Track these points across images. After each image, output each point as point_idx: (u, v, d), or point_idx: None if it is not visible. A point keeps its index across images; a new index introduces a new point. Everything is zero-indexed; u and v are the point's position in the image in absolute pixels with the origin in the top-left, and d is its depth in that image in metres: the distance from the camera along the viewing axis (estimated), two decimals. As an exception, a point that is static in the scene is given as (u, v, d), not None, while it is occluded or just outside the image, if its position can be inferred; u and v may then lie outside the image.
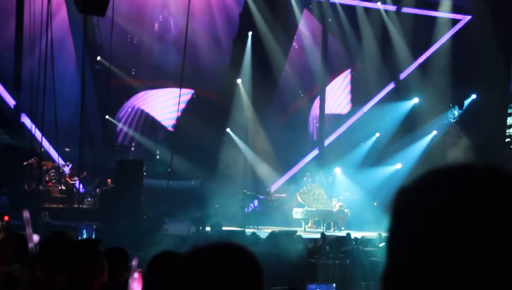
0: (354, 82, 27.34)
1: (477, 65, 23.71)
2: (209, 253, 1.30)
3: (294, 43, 26.17)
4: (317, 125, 27.25)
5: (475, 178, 0.81)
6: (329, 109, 27.07)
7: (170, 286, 1.30)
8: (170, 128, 25.38)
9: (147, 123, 25.91)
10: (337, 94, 27.66)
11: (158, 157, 24.38)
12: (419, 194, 0.83)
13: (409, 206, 0.83)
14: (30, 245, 3.57)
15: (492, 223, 0.77)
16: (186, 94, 24.99)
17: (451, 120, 25.68)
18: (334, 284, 14.66)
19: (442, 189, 0.81)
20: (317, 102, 27.14)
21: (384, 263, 0.86)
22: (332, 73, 27.27)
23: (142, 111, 25.87)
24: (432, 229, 0.79)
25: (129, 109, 25.70)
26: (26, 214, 3.48)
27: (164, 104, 25.81)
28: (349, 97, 27.87)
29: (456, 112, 25.58)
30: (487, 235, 0.77)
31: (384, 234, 0.86)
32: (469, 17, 25.23)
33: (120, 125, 25.03)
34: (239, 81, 25.36)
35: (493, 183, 0.81)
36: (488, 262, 0.76)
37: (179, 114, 23.50)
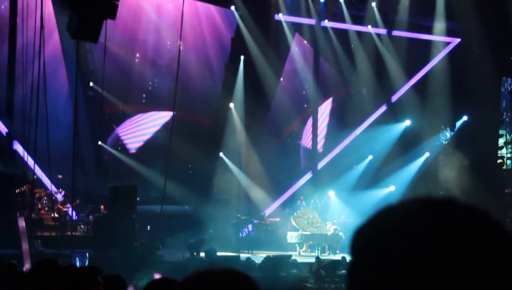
0: (346, 104, 27.42)
1: (469, 86, 23.91)
2: (211, 278, 1.29)
3: (286, 67, 26.31)
4: (309, 147, 27.26)
5: (432, 213, 0.80)
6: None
7: None
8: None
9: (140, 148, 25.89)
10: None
11: (151, 182, 24.32)
12: (376, 233, 0.82)
13: (366, 248, 0.82)
14: (26, 266, 3.54)
15: (444, 260, 0.76)
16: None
17: (443, 141, 25.78)
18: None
19: (398, 226, 0.80)
20: (308, 125, 27.20)
21: None
22: (325, 96, 27.41)
23: (135, 136, 25.85)
24: (384, 268, 0.78)
25: (122, 134, 25.68)
26: (21, 223, 3.44)
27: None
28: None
29: (448, 133, 25.70)
30: (439, 273, 0.76)
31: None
32: (459, 39, 25.49)
33: (112, 150, 24.97)
34: (231, 105, 25.43)
35: (447, 217, 0.79)
36: None
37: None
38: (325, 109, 27.89)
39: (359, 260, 0.82)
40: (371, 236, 0.82)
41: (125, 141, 25.75)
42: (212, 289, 1.28)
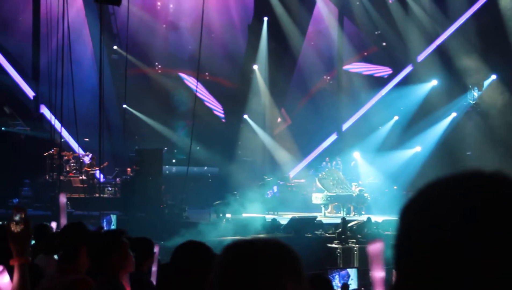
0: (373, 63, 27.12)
1: (497, 45, 23.37)
2: (255, 249, 1.30)
3: (311, 27, 26.00)
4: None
5: (484, 188, 0.77)
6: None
7: (214, 282, 1.30)
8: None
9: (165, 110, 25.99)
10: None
11: (177, 144, 24.47)
12: (427, 208, 0.79)
13: (416, 222, 0.79)
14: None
15: (506, 236, 0.74)
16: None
17: (471, 101, 25.39)
18: (356, 269, 14.67)
19: (449, 203, 0.77)
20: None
21: (395, 278, 0.82)
22: (349, 56, 27.09)
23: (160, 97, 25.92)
24: (444, 244, 0.75)
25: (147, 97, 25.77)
26: (62, 199, 3.50)
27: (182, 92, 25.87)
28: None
29: (475, 93, 25.28)
30: (505, 249, 0.73)
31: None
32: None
33: (138, 114, 25.11)
34: (255, 67, 25.30)
35: (502, 192, 0.77)
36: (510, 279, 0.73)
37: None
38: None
39: (406, 233, 0.80)
40: (419, 211, 0.80)
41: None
42: (255, 261, 1.28)
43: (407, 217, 0.81)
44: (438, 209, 0.78)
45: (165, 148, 21.66)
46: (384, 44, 26.31)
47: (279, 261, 1.29)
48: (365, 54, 27.46)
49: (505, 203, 0.76)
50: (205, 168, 23.74)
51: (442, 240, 0.75)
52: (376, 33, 26.15)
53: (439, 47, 25.34)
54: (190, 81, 25.26)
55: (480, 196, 0.77)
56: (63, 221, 3.54)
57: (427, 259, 0.76)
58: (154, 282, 3.81)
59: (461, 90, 25.18)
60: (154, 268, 4.01)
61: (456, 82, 24.73)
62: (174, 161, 22.72)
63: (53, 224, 5.06)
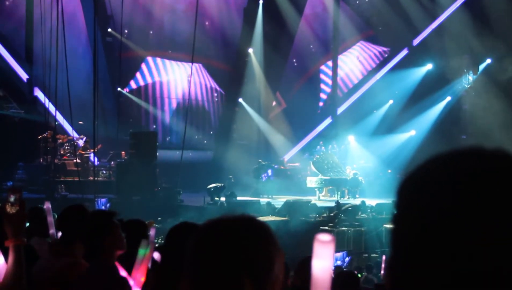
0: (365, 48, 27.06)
1: (492, 29, 23.34)
2: (224, 226, 1.30)
3: (307, 10, 25.89)
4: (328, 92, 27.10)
5: (486, 164, 0.77)
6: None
7: (190, 258, 1.30)
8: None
9: (160, 95, 25.92)
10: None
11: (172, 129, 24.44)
12: (426, 183, 0.78)
13: (417, 196, 0.78)
14: (51, 231, 3.59)
15: (506, 215, 0.74)
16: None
17: (466, 85, 25.41)
18: (346, 252, 14.78)
19: (451, 176, 0.77)
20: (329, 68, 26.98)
21: (389, 252, 0.83)
22: (345, 40, 27.02)
23: (154, 82, 25.85)
24: (442, 220, 0.75)
25: (142, 80, 25.69)
26: (47, 205, 3.51)
27: (178, 77, 25.80)
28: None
29: (470, 77, 25.28)
30: (504, 227, 0.73)
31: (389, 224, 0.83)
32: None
33: (132, 97, 25.05)
34: (250, 50, 25.21)
35: (503, 169, 0.77)
36: (507, 256, 0.73)
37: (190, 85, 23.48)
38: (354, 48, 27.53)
39: (404, 210, 0.80)
40: (420, 187, 0.79)
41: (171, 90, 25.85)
42: (223, 235, 1.29)
43: (406, 192, 0.81)
44: (438, 185, 0.77)
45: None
46: (380, 28, 26.23)
47: (249, 235, 1.30)
48: (361, 37, 27.39)
49: (506, 179, 0.76)
50: (207, 152, 23.73)
51: (442, 215, 0.75)
52: (372, 16, 26.06)
53: (434, 31, 25.29)
54: (183, 65, 25.18)
55: (481, 172, 0.76)
56: (51, 230, 3.55)
57: (426, 235, 0.76)
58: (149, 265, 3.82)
59: (456, 74, 25.18)
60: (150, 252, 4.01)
61: (451, 66, 24.72)
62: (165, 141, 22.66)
63: (47, 204, 5.06)
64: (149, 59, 25.64)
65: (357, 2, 26.56)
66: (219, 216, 1.34)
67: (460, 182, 0.76)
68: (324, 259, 1.21)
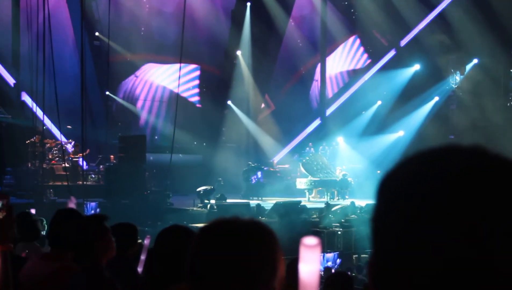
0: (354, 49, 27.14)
1: (479, 28, 23.49)
2: (231, 228, 1.29)
3: (294, 13, 25.94)
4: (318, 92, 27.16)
5: (463, 161, 0.77)
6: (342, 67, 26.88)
7: (192, 260, 1.29)
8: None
9: (148, 98, 25.86)
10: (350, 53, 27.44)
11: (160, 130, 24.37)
12: (406, 180, 0.78)
13: (396, 194, 0.79)
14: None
15: (486, 209, 0.74)
16: (195, 69, 25.13)
17: (453, 86, 25.55)
18: (337, 253, 14.80)
19: (430, 175, 0.77)
20: (318, 69, 27.04)
21: (371, 250, 0.83)
22: (333, 41, 27.10)
23: (143, 85, 25.78)
24: (421, 217, 0.75)
25: (130, 84, 25.62)
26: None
27: (167, 79, 25.74)
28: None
29: (457, 77, 25.43)
30: (484, 222, 0.73)
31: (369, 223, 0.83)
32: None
33: (121, 101, 24.97)
34: (238, 53, 25.21)
35: (481, 165, 0.77)
36: (486, 253, 0.73)
37: (179, 89, 23.40)
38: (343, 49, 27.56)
39: (386, 206, 0.80)
40: (399, 183, 0.79)
41: (183, 95, 25.76)
42: (233, 238, 1.28)
43: (386, 190, 0.81)
44: (418, 182, 0.77)
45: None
46: (367, 29, 26.31)
47: (256, 239, 1.29)
48: (348, 39, 27.48)
49: (484, 174, 0.76)
50: (196, 155, 23.70)
51: (422, 212, 0.76)
52: (356, 17, 26.15)
53: (421, 32, 25.42)
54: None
55: (459, 168, 0.77)
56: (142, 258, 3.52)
57: (406, 232, 0.76)
58: (139, 269, 3.81)
59: (443, 74, 25.33)
60: (143, 257, 4.00)
61: (438, 67, 24.86)
62: (154, 147, 22.60)
63: (33, 211, 5.04)
64: (138, 62, 25.57)
65: (345, 3, 26.63)
66: (223, 218, 1.33)
67: (439, 179, 0.76)
68: (311, 263, 1.21)
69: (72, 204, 3.63)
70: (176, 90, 24.14)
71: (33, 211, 3.57)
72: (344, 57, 27.71)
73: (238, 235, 1.28)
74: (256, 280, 1.26)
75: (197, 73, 25.68)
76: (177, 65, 24.01)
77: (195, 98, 25.77)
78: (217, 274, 1.25)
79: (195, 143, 23.77)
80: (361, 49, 27.31)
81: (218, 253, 1.26)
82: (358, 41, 27.32)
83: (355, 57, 27.75)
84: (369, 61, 26.97)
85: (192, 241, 1.30)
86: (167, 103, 25.46)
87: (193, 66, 25.18)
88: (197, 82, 25.85)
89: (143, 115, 25.07)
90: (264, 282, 1.28)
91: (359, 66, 27.07)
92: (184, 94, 25.00)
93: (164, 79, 25.82)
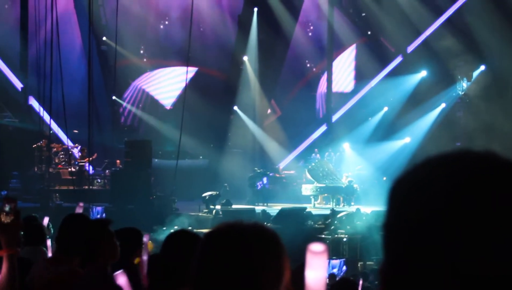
0: (360, 56, 27.10)
1: (486, 35, 23.44)
2: (237, 232, 1.29)
3: (301, 17, 25.95)
4: (324, 101, 27.15)
5: (475, 167, 0.77)
6: (334, 87, 26.90)
7: (197, 264, 1.29)
8: (169, 107, 25.40)
9: (152, 103, 25.89)
10: (341, 72, 27.45)
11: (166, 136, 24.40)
12: (417, 186, 0.78)
13: (407, 200, 0.78)
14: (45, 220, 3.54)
15: (498, 215, 0.73)
16: (190, 71, 24.95)
17: (460, 92, 25.49)
18: (344, 259, 14.75)
19: (441, 180, 0.77)
20: (324, 78, 27.02)
21: (382, 257, 0.82)
22: (339, 47, 27.08)
23: (145, 90, 25.79)
24: (432, 224, 0.75)
25: (134, 89, 25.67)
26: (45, 221, 3.46)
27: (168, 82, 25.76)
28: (353, 74, 27.66)
29: (464, 84, 25.37)
30: (496, 229, 0.73)
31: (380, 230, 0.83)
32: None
33: (125, 104, 25.02)
34: (245, 58, 25.24)
35: (493, 170, 0.77)
36: (499, 258, 0.72)
37: (182, 92, 23.41)
38: (348, 56, 27.53)
39: (396, 213, 0.79)
40: (410, 189, 0.79)
41: (157, 97, 25.72)
42: (237, 243, 1.28)
43: (396, 197, 0.81)
44: (428, 189, 0.77)
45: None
46: (374, 35, 26.30)
47: (261, 243, 1.29)
48: (355, 44, 27.46)
49: (495, 180, 0.76)
50: (202, 160, 23.72)
51: (434, 218, 0.75)
52: (365, 23, 26.16)
53: (428, 38, 25.38)
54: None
55: (470, 174, 0.76)
56: (48, 242, 3.53)
57: (415, 240, 0.76)
58: (145, 271, 3.80)
59: (450, 80, 25.27)
60: (144, 257, 4.00)
61: (445, 73, 24.81)
62: (160, 152, 22.62)
63: (46, 220, 5.07)
64: (144, 66, 25.64)
65: (351, 11, 26.66)
66: (228, 223, 1.33)
67: (450, 185, 0.76)
68: (317, 269, 1.20)
69: (80, 209, 3.64)
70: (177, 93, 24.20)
71: (46, 219, 3.56)
72: (345, 68, 27.58)
73: (242, 239, 1.27)
74: (262, 284, 1.26)
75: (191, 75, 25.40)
76: (179, 69, 24.14)
77: (172, 100, 25.59)
78: (222, 279, 1.25)
79: (201, 149, 23.79)
80: (367, 55, 27.20)
81: (223, 258, 1.25)
82: (364, 47, 27.19)
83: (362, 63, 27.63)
84: (375, 67, 26.85)
85: (197, 247, 1.30)
86: (173, 107, 25.48)
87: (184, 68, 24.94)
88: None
89: (149, 120, 25.07)
90: (269, 287, 1.27)
91: (365, 73, 26.98)
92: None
93: (169, 84, 25.83)
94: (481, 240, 0.73)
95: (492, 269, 0.73)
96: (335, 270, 13.65)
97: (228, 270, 1.25)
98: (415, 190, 0.78)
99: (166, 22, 25.72)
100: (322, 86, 27.27)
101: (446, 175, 0.77)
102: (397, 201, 0.80)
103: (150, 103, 25.78)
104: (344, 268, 14.55)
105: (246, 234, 1.29)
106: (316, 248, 1.20)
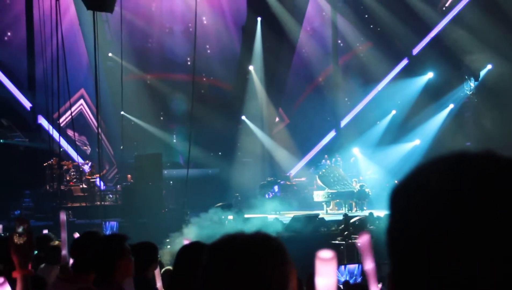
0: (366, 60, 27.07)
1: (492, 34, 23.37)
2: (239, 242, 1.29)
3: (304, 25, 25.99)
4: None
5: (475, 168, 0.76)
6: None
7: (202, 275, 1.29)
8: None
9: (162, 116, 25.96)
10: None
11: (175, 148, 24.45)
12: (417, 190, 0.78)
13: (408, 204, 0.78)
14: (63, 252, 3.56)
15: (500, 215, 0.73)
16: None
17: (468, 92, 25.40)
18: (360, 265, 14.66)
19: (440, 183, 0.76)
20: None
21: (389, 264, 0.81)
22: (344, 52, 27.08)
23: (157, 103, 25.87)
24: (434, 227, 0.74)
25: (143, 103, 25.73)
26: (62, 216, 3.47)
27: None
28: None
29: (472, 84, 25.27)
30: (498, 231, 0.72)
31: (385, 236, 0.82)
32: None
33: (135, 119, 25.09)
34: (251, 67, 25.28)
35: (493, 171, 0.76)
36: (503, 259, 0.72)
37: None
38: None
39: (398, 217, 0.79)
40: (411, 194, 0.78)
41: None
42: (241, 253, 1.27)
43: (397, 201, 0.81)
44: (429, 192, 0.77)
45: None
46: (379, 38, 26.28)
47: (265, 254, 1.28)
48: (361, 48, 27.44)
49: (496, 181, 0.75)
50: (211, 171, 23.72)
51: (437, 223, 0.75)
52: (370, 26, 26.15)
53: (434, 39, 25.34)
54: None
55: (471, 176, 0.76)
56: (63, 236, 3.51)
57: (418, 244, 0.75)
58: (158, 285, 3.80)
59: (457, 81, 25.19)
60: (156, 270, 4.00)
61: (452, 74, 24.74)
62: (168, 164, 22.65)
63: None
64: (150, 80, 25.73)
65: (356, 13, 26.63)
66: (233, 233, 1.33)
67: (450, 188, 0.76)
68: (327, 276, 1.19)
69: (63, 215, 3.61)
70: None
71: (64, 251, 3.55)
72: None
73: (245, 250, 1.27)
74: None
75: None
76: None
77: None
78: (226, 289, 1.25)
79: (211, 159, 23.80)
80: (373, 60, 27.14)
81: (227, 269, 1.25)
82: (369, 51, 27.16)
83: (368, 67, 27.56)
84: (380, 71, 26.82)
85: (202, 258, 1.31)
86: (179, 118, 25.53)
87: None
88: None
89: (158, 133, 25.12)
90: None
91: (371, 76, 26.91)
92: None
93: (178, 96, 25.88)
94: (483, 241, 0.72)
95: (496, 270, 0.72)
96: (355, 272, 13.56)
97: (233, 281, 1.25)
98: (415, 194, 0.78)
99: (171, 36, 25.81)
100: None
101: (445, 178, 0.77)
102: (398, 206, 0.80)
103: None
104: (357, 272, 14.45)
105: (250, 244, 1.28)
106: (325, 255, 1.19)
